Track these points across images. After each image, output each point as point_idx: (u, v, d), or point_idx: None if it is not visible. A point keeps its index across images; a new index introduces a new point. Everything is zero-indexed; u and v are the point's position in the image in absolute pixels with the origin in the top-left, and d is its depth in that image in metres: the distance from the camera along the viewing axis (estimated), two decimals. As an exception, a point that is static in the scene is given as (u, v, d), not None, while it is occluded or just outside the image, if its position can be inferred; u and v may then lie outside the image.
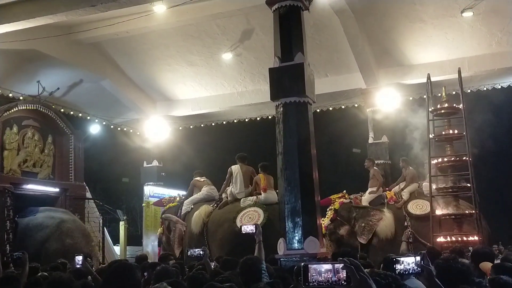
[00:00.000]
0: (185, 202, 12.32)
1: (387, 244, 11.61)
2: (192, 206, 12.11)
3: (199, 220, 11.56)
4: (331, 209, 12.54)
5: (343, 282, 2.23)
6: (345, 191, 12.94)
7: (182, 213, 12.15)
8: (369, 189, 12.68)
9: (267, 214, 10.85)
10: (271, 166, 10.94)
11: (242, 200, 11.52)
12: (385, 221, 11.86)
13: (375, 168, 13.00)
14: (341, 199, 12.63)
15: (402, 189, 12.54)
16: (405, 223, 11.83)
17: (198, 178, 12.79)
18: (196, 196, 12.36)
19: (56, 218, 13.96)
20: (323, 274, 2.27)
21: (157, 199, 16.37)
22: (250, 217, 10.91)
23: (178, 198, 13.15)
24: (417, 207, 12.02)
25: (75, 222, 14.31)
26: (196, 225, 11.56)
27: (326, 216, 12.40)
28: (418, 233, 11.52)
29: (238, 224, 10.65)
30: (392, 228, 11.80)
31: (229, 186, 12.09)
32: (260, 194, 11.54)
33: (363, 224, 12.05)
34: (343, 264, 2.26)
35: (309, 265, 2.28)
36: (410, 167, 12.87)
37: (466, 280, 3.76)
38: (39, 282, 5.45)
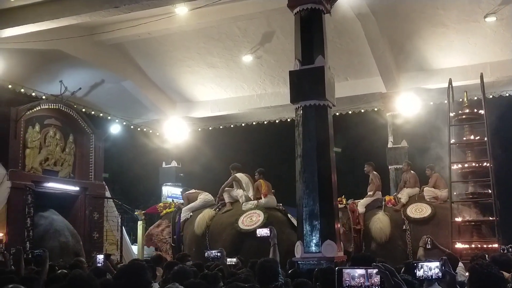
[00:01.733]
0: (184, 209, 12.62)
1: (382, 247, 11.49)
2: (191, 214, 12.44)
3: (203, 223, 11.85)
4: None
5: (376, 287, 2.25)
6: (343, 196, 12.63)
7: (181, 220, 12.45)
8: (368, 193, 12.58)
9: (267, 215, 11.19)
10: (289, 169, 10.98)
11: (243, 204, 11.82)
12: (380, 224, 11.70)
13: (374, 172, 12.86)
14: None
15: (398, 192, 12.43)
16: (404, 227, 11.67)
17: (188, 192, 13.19)
18: (194, 204, 12.69)
19: (48, 218, 14.24)
20: (356, 279, 2.29)
21: (175, 199, 16.46)
22: (251, 218, 11.25)
23: (173, 204, 13.27)
24: (417, 211, 11.84)
25: (64, 221, 14.67)
26: (199, 228, 11.83)
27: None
28: (416, 238, 11.31)
29: (240, 225, 11.04)
30: (388, 231, 11.63)
31: (234, 190, 12.56)
32: (261, 198, 11.96)
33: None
34: (376, 270, 2.27)
35: (343, 270, 2.31)
36: (412, 171, 12.76)
37: (503, 287, 3.70)
38: (59, 279, 5.53)
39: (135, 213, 14.54)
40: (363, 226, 11.86)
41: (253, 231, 10.48)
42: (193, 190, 13.22)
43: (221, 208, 12.26)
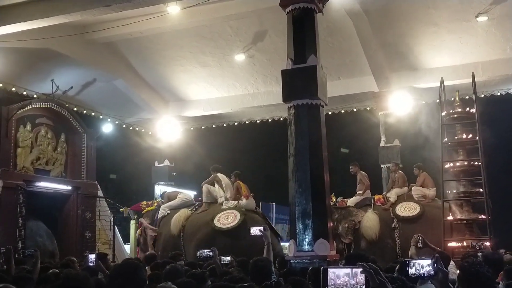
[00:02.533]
0: (162, 207, 12.76)
1: (372, 245, 11.52)
2: (169, 211, 12.53)
3: (178, 223, 11.95)
4: None
5: (361, 286, 2.27)
6: (332, 194, 12.56)
7: (158, 217, 12.58)
8: (357, 193, 12.61)
9: (244, 216, 11.23)
10: (282, 168, 11.00)
11: (224, 203, 11.90)
12: (369, 222, 11.75)
13: (361, 172, 12.90)
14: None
15: (387, 191, 12.48)
16: (393, 225, 11.73)
17: (168, 192, 13.40)
18: (173, 202, 12.79)
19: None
20: (341, 278, 2.31)
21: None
22: (227, 217, 11.31)
23: (156, 203, 13.34)
24: (405, 210, 11.93)
25: (37, 221, 14.66)
26: (174, 228, 11.93)
27: None
28: (405, 236, 11.35)
29: (216, 223, 11.10)
30: (377, 229, 11.69)
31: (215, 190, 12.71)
32: (240, 200, 12.04)
33: (346, 225, 12.01)
34: (361, 269, 2.29)
35: (328, 269, 2.33)
36: (401, 171, 12.82)
37: (492, 286, 3.72)
38: (50, 279, 5.49)
39: (121, 209, 14.51)
40: None
41: (227, 230, 10.64)
42: (174, 190, 13.46)
43: (197, 209, 12.30)
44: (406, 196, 12.35)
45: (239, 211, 11.42)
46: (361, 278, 2.29)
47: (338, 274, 2.31)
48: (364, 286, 2.29)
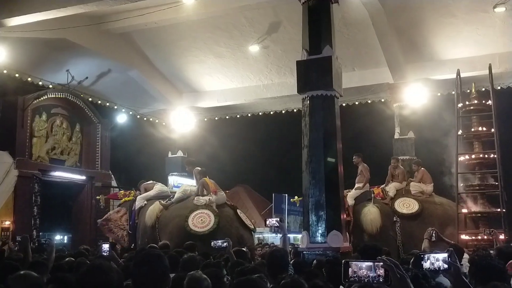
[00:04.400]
0: (138, 198, 12.77)
1: (374, 238, 11.42)
2: (146, 202, 12.55)
3: (153, 214, 11.94)
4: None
5: (382, 279, 2.27)
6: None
7: (136, 208, 12.58)
8: (356, 185, 12.43)
9: (218, 219, 11.15)
10: (295, 159, 10.96)
11: (196, 199, 11.79)
12: (371, 216, 11.64)
13: (364, 164, 12.73)
14: None
15: (386, 185, 12.37)
16: (394, 218, 11.59)
17: (145, 183, 13.23)
18: (149, 193, 12.77)
19: None
20: (362, 270, 2.32)
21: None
22: (202, 220, 11.24)
23: (133, 193, 13.43)
24: (404, 206, 11.75)
25: None
26: (149, 219, 11.94)
27: None
28: (405, 231, 11.27)
29: (190, 225, 11.05)
30: (379, 223, 11.57)
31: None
32: (210, 195, 11.96)
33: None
34: (382, 263, 2.29)
35: (349, 262, 2.33)
36: (401, 167, 12.68)
37: (504, 279, 3.69)
38: (64, 268, 5.53)
39: (97, 197, 14.54)
40: (352, 218, 11.76)
41: (202, 234, 10.69)
42: (151, 181, 13.33)
43: (171, 199, 12.31)
44: (404, 191, 12.21)
45: (213, 211, 11.37)
46: (381, 271, 2.30)
47: (360, 266, 2.32)
48: (384, 280, 2.30)
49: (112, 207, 15.15)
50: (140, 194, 12.88)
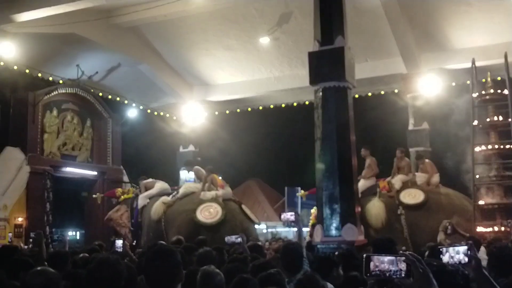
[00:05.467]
0: (141, 196, 12.87)
1: (380, 232, 11.25)
2: (148, 200, 12.66)
3: (160, 209, 12.06)
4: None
5: (403, 274, 2.23)
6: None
7: (139, 207, 12.68)
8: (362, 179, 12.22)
9: (225, 211, 11.44)
10: (308, 151, 10.85)
11: (202, 193, 12.02)
12: (375, 210, 11.50)
13: (372, 157, 12.53)
14: None
15: (392, 177, 12.17)
16: (398, 211, 11.44)
17: (145, 181, 13.31)
18: (151, 191, 12.88)
19: None
20: (384, 265, 2.28)
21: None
22: (209, 212, 11.50)
23: (131, 190, 13.43)
24: (410, 196, 11.61)
25: None
26: (155, 214, 12.03)
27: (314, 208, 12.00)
28: (411, 222, 11.10)
29: (198, 215, 11.30)
30: (383, 216, 11.41)
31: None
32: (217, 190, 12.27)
33: None
34: (404, 257, 2.25)
35: (371, 256, 2.29)
36: (407, 158, 12.48)
37: None
38: (78, 264, 5.52)
39: (94, 196, 14.52)
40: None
41: (211, 225, 11.02)
42: (151, 179, 13.43)
43: (176, 195, 12.41)
44: (410, 183, 12.04)
45: (220, 204, 11.64)
46: (403, 265, 2.24)
47: (381, 260, 2.27)
48: (405, 275, 2.25)
49: (106, 202, 15.18)
50: (140, 192, 12.97)
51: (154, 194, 12.74)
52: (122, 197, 13.20)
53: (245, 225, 11.49)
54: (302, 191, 13.99)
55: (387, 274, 2.27)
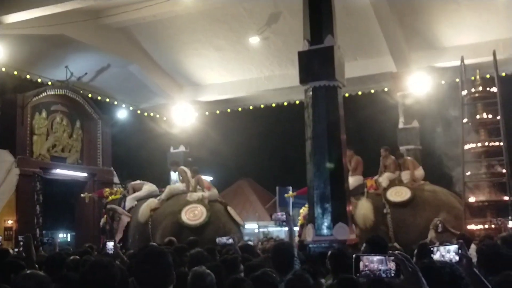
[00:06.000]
0: (129, 198, 12.95)
1: (366, 233, 11.26)
2: (136, 202, 12.73)
3: (146, 211, 12.13)
4: None
5: (392, 273, 2.24)
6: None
7: (126, 209, 12.70)
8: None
9: (210, 213, 11.52)
10: (299, 151, 10.84)
11: (189, 195, 12.10)
12: (363, 210, 11.51)
13: (357, 157, 12.49)
14: None
15: (379, 176, 12.20)
16: (385, 210, 11.45)
17: (133, 183, 13.41)
18: (139, 193, 12.96)
19: None
20: (373, 264, 2.29)
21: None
22: (194, 213, 11.58)
23: (119, 191, 13.44)
24: (396, 194, 11.65)
25: None
26: (142, 216, 12.11)
27: (305, 206, 11.99)
28: (397, 220, 11.13)
29: (182, 217, 11.39)
30: (371, 217, 11.42)
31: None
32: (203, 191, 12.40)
33: None
34: (393, 257, 2.26)
35: (360, 256, 2.30)
36: (392, 156, 12.52)
37: None
38: (69, 265, 5.48)
39: (82, 195, 14.47)
40: None
41: (195, 227, 11.12)
42: (139, 181, 13.50)
43: (164, 198, 12.47)
44: (397, 181, 12.09)
45: (205, 205, 11.71)
46: (392, 264, 2.25)
47: (371, 259, 2.28)
48: (394, 274, 2.26)
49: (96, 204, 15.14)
50: (128, 193, 12.95)
51: (142, 196, 12.78)
52: (110, 197, 13.19)
53: (228, 226, 11.58)
54: (290, 192, 14.04)
55: (377, 274, 2.28)
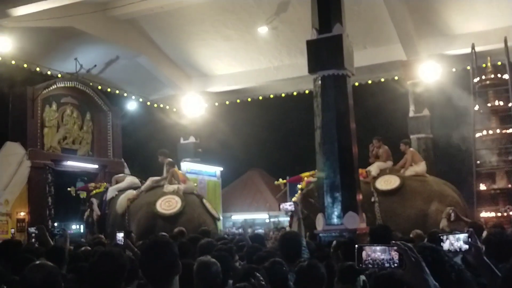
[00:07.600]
0: (110, 189, 13.00)
1: None
2: (117, 193, 12.81)
3: (124, 203, 12.23)
4: (301, 188, 11.91)
5: (395, 263, 2.22)
6: (316, 170, 11.73)
7: (107, 199, 12.82)
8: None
9: (184, 203, 11.55)
10: (309, 140, 10.82)
11: (165, 187, 12.13)
12: None
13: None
14: (309, 178, 11.63)
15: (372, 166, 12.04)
16: (372, 199, 11.24)
17: (117, 176, 13.67)
18: (121, 184, 13.04)
19: None
20: (376, 254, 2.28)
21: (194, 175, 16.51)
22: (169, 203, 11.60)
23: (104, 185, 13.53)
24: (385, 183, 11.39)
25: None
26: (120, 207, 12.20)
27: (295, 196, 11.81)
28: (385, 209, 10.84)
29: (157, 207, 11.42)
30: None
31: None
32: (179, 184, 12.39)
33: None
34: (396, 247, 2.24)
35: (363, 246, 2.28)
36: (385, 146, 12.37)
37: None
38: (80, 257, 5.52)
39: (68, 189, 14.51)
40: None
41: (169, 216, 11.15)
42: (122, 174, 13.71)
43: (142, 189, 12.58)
44: (389, 171, 11.88)
45: (180, 196, 11.78)
46: (395, 254, 2.24)
47: (374, 249, 2.27)
48: (397, 264, 2.25)
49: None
50: (111, 185, 13.09)
51: (123, 187, 12.89)
52: (94, 191, 13.32)
53: (203, 217, 11.60)
54: (280, 179, 13.85)
55: (380, 263, 2.26)
